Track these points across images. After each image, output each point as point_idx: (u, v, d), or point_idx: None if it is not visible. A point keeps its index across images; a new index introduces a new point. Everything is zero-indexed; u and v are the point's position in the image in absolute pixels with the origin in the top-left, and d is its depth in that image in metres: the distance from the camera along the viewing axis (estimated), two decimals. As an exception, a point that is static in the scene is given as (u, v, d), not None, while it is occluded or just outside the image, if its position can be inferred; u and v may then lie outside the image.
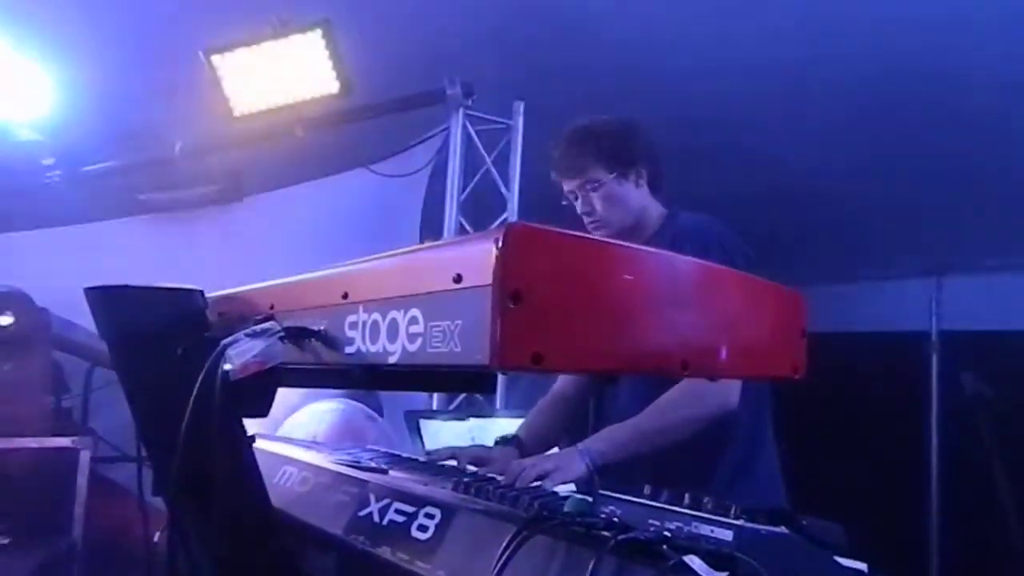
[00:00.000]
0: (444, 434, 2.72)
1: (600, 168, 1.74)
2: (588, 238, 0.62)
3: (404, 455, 1.57)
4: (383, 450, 1.61)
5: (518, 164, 3.54)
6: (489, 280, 0.58)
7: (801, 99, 3.56)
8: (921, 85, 3.36)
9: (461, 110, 3.48)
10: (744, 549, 0.65)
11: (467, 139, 3.52)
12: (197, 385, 0.78)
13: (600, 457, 1.52)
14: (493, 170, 3.58)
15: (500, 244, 0.58)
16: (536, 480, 1.37)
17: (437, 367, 0.64)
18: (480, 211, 3.59)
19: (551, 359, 0.58)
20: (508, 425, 2.81)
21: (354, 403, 2.49)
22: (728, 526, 0.71)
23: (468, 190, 3.57)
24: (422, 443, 2.74)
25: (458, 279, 0.61)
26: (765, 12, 3.16)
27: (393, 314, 0.70)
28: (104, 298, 1.09)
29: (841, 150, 3.91)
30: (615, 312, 0.61)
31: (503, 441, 1.76)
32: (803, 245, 4.89)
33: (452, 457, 1.55)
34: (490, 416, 2.79)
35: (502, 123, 3.55)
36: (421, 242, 3.79)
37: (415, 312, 0.67)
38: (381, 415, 2.72)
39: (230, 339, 0.79)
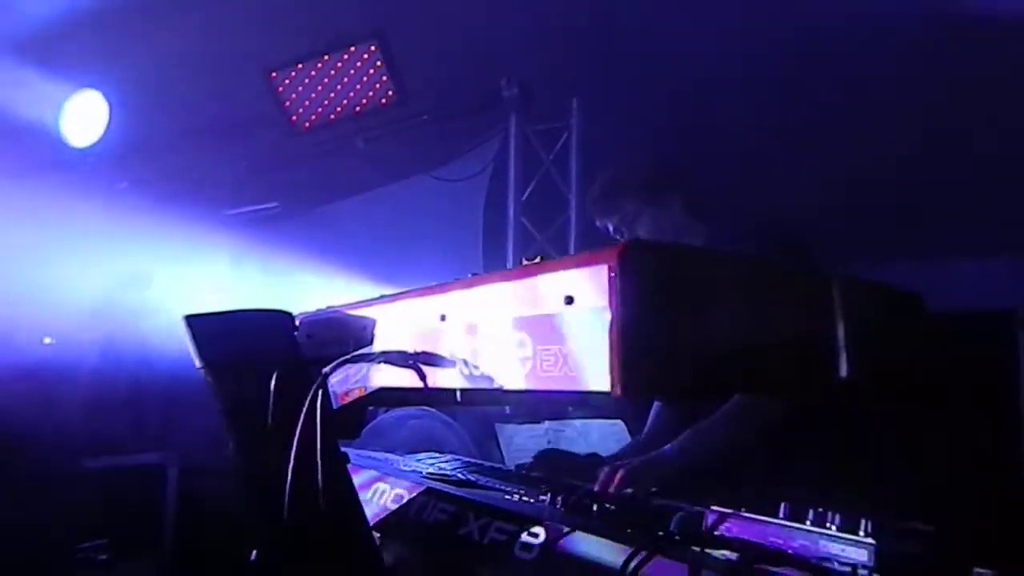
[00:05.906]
0: (520, 437, 2.70)
1: (634, 201, 1.84)
2: (704, 251, 0.59)
3: (487, 464, 1.56)
4: (465, 459, 1.61)
5: (575, 162, 3.50)
6: (604, 302, 0.56)
7: (875, 73, 3.40)
8: (993, 52, 3.18)
9: (517, 112, 3.45)
10: (883, 569, 0.62)
11: (524, 140, 3.50)
12: (302, 415, 0.78)
13: (689, 455, 1.49)
14: (552, 169, 3.55)
15: (616, 263, 0.55)
16: (625, 485, 1.35)
17: (549, 393, 0.62)
18: (541, 210, 3.56)
19: (673, 385, 0.55)
20: (582, 427, 2.79)
21: (431, 410, 2.50)
22: (861, 544, 0.67)
23: (528, 190, 3.54)
24: (499, 447, 2.73)
25: (570, 301, 0.59)
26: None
27: (497, 336, 0.68)
28: (202, 325, 1.12)
29: (917, 124, 3.73)
30: (739, 325, 0.58)
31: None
32: (878, 223, 4.69)
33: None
34: (565, 418, 2.77)
35: (559, 124, 3.51)
36: (484, 244, 3.80)
37: (522, 335, 0.65)
38: (455, 418, 2.73)
39: (330, 368, 0.78)
